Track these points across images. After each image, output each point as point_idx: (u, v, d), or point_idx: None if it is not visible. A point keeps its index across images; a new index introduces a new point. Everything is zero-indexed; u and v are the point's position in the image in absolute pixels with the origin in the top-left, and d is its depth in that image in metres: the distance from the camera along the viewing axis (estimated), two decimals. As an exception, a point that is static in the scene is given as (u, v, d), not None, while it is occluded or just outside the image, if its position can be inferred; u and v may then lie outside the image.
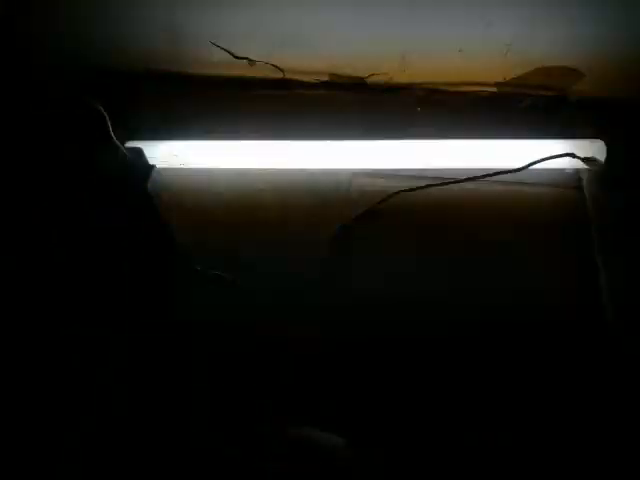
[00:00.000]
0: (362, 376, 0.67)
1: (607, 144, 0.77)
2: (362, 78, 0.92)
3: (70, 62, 0.91)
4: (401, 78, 0.91)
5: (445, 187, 0.78)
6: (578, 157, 0.76)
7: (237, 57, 0.91)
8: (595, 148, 0.77)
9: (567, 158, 0.77)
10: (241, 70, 0.93)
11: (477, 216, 0.78)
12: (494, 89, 0.89)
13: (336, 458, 0.58)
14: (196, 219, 0.78)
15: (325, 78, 0.93)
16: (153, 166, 0.61)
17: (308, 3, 0.81)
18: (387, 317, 0.71)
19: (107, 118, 0.59)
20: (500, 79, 0.88)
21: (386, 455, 0.60)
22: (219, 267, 0.74)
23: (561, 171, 0.81)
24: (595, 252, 0.74)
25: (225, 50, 0.90)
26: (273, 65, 0.92)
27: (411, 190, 0.79)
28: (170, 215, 0.69)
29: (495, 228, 0.77)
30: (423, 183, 0.79)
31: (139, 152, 0.64)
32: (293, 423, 0.62)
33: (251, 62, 0.92)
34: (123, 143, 0.72)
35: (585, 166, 0.78)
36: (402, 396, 0.66)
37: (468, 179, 0.78)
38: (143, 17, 0.86)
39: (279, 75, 0.94)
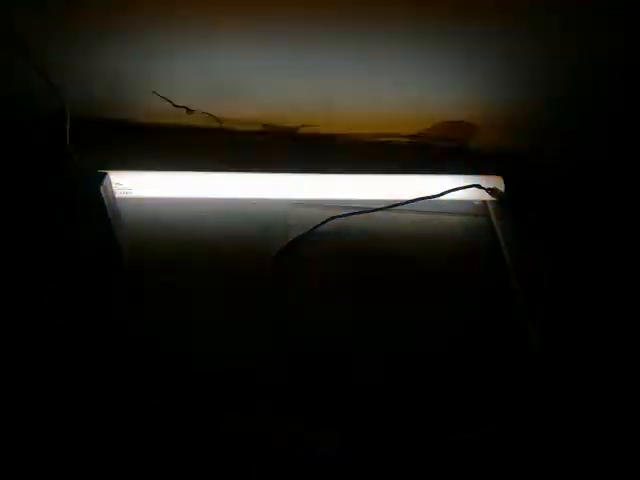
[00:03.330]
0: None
1: (504, 179, 0.91)
2: (293, 129, 1.02)
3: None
4: (328, 129, 1.02)
5: (372, 214, 0.87)
6: (483, 187, 0.89)
7: (176, 105, 0.98)
8: (495, 182, 0.91)
9: (475, 191, 0.90)
10: (180, 119, 1.00)
11: (398, 239, 0.86)
12: (407, 139, 1.02)
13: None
14: (139, 241, 0.79)
15: (259, 128, 1.02)
16: (105, 174, 0.63)
17: (243, 55, 0.91)
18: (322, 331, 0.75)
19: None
20: (412, 132, 1.02)
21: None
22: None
23: (471, 202, 0.93)
24: (505, 266, 0.84)
25: (164, 98, 0.97)
26: (209, 114, 1.00)
27: (344, 216, 0.86)
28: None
29: (414, 249, 0.85)
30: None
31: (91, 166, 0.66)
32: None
33: (189, 111, 0.99)
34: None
35: (489, 196, 0.90)
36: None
37: (392, 205, 0.87)
38: (84, 65, 0.91)
39: (216, 124, 1.01)
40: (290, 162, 0.96)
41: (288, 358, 0.70)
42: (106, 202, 0.62)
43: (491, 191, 0.90)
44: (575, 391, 0.69)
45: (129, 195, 0.81)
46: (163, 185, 0.86)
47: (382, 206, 0.87)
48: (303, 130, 1.03)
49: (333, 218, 0.85)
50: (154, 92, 0.96)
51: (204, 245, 0.81)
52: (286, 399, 0.66)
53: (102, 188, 0.61)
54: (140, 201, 0.83)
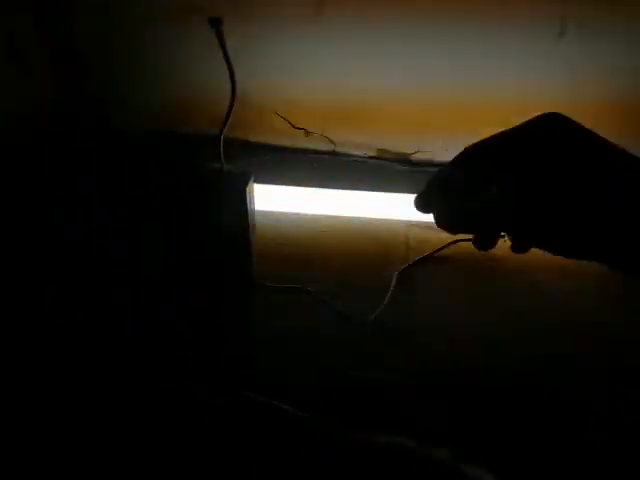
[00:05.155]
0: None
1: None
2: (407, 154, 1.01)
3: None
4: (443, 157, 1.00)
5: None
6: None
7: (296, 127, 1.00)
8: None
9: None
10: (296, 140, 1.02)
11: (525, 268, 0.81)
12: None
13: None
14: (260, 252, 0.78)
15: (373, 153, 1.02)
16: (251, 175, 0.64)
17: (360, 84, 0.93)
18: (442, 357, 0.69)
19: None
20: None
21: None
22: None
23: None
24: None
25: (285, 119, 0.99)
26: (326, 137, 1.01)
27: (468, 240, 0.82)
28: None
29: (540, 280, 0.80)
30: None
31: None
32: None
33: (307, 133, 1.01)
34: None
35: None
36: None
37: (521, 232, 0.82)
38: (210, 84, 0.96)
39: (330, 147, 1.02)
40: (406, 186, 0.95)
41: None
42: (248, 202, 0.62)
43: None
44: None
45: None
46: (285, 199, 0.86)
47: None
48: (416, 156, 1.01)
49: (457, 242, 0.82)
50: (276, 113, 0.99)
51: (324, 260, 0.80)
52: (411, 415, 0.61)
53: (248, 188, 0.61)
54: (264, 214, 0.84)
